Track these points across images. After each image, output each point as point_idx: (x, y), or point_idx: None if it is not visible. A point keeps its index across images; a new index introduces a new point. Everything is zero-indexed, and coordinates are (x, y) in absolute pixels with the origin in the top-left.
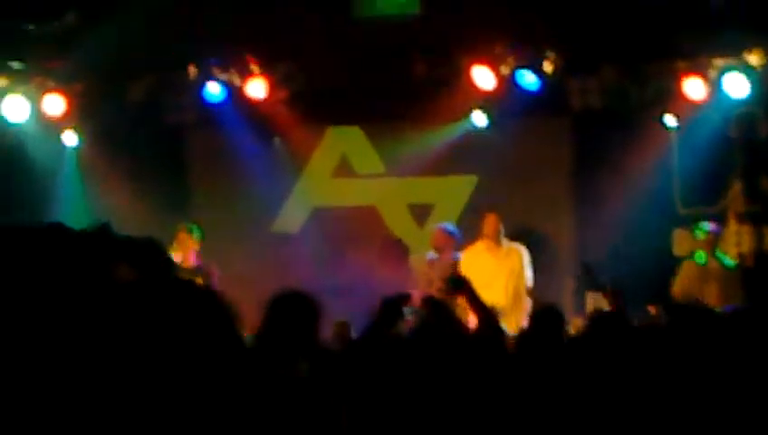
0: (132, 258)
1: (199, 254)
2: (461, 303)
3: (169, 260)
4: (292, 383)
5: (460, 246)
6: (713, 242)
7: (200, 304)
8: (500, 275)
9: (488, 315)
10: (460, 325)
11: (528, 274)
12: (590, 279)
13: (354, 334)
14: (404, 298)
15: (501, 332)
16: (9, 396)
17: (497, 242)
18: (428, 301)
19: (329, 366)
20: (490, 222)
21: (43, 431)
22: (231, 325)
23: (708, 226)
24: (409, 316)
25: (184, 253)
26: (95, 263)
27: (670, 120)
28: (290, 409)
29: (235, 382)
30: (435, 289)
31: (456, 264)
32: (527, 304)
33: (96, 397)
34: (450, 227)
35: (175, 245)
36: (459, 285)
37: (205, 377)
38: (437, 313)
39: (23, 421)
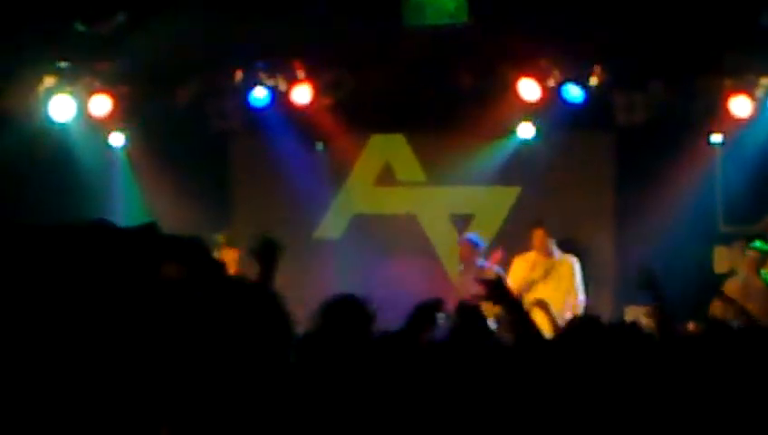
0: (180, 256)
1: (239, 262)
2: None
3: (216, 259)
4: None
5: (485, 254)
6: (757, 261)
7: (251, 300)
8: (548, 286)
9: (527, 323)
10: (492, 332)
11: (578, 286)
12: (650, 286)
13: None
14: (437, 304)
15: (540, 339)
16: (57, 384)
17: (547, 255)
18: (461, 307)
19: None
20: (537, 237)
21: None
22: (283, 320)
23: (759, 244)
24: (442, 322)
25: (229, 265)
26: (142, 259)
27: (716, 137)
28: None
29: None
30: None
31: (482, 271)
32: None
33: (141, 387)
34: (474, 237)
35: (216, 254)
36: (500, 292)
37: (256, 371)
38: (470, 319)
39: (73, 407)
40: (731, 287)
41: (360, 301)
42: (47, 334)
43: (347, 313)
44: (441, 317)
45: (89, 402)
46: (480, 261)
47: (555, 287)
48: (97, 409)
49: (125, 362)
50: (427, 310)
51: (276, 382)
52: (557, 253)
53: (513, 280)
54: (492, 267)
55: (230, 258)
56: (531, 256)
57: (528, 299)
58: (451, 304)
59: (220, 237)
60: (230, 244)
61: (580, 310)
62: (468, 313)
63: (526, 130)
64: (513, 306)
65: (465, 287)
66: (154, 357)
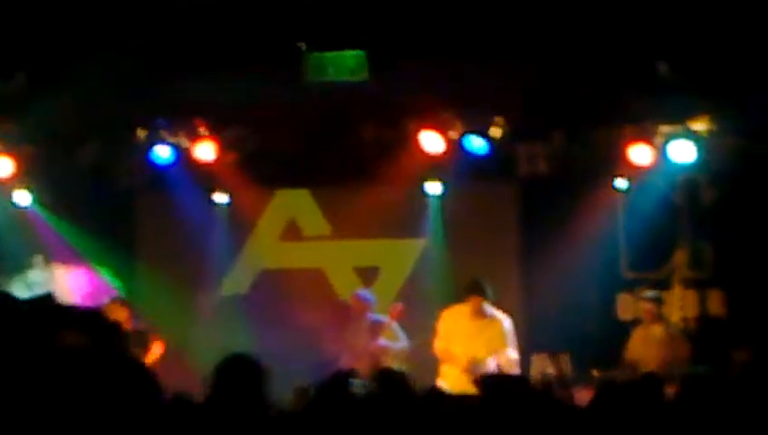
0: (79, 325)
1: (134, 319)
2: None
3: (116, 326)
4: None
5: (387, 309)
6: (653, 310)
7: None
8: (478, 342)
9: None
10: (413, 395)
11: (509, 343)
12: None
13: None
14: (351, 374)
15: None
16: None
17: (481, 317)
18: (381, 373)
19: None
20: (474, 303)
21: None
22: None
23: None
24: (359, 390)
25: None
26: (39, 330)
27: (621, 182)
28: None
29: None
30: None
31: (375, 326)
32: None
33: None
34: (364, 292)
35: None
36: None
37: None
38: (389, 384)
39: None
40: (636, 336)
41: (252, 360)
42: None
43: (239, 374)
44: (358, 384)
45: None
46: (372, 316)
47: (485, 344)
48: None
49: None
50: (342, 380)
51: None
52: (489, 310)
53: (442, 333)
54: (389, 323)
55: (123, 318)
56: (463, 308)
57: (451, 351)
58: (347, 361)
59: (109, 302)
60: (122, 305)
61: (513, 367)
62: (387, 378)
63: (434, 188)
64: None
65: (356, 342)
66: (54, 424)
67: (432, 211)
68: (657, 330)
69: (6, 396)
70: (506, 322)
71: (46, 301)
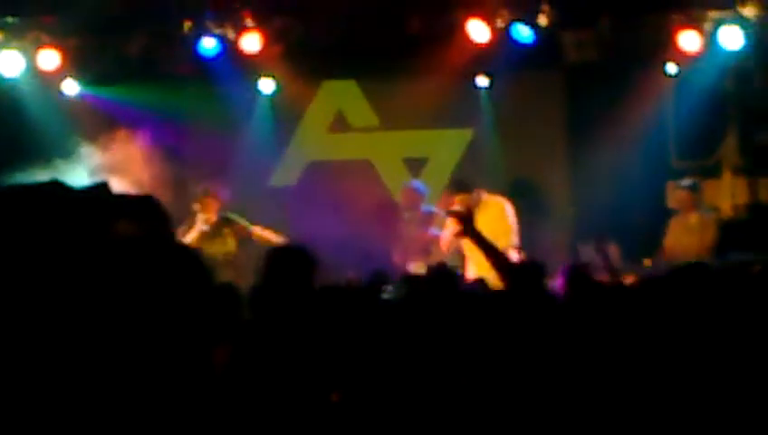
0: (131, 214)
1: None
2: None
3: (167, 215)
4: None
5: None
6: (690, 198)
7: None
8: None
9: (499, 259)
10: (440, 300)
11: (511, 228)
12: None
13: None
14: (384, 279)
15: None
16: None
17: (477, 205)
18: (407, 278)
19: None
20: (460, 201)
21: (37, 394)
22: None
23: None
24: (390, 295)
25: (209, 214)
26: (94, 220)
27: (672, 67)
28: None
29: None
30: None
31: (427, 216)
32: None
33: (91, 358)
34: (417, 183)
35: (199, 207)
36: (469, 226)
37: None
38: (415, 288)
39: (18, 383)
40: (673, 225)
41: (303, 249)
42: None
43: (289, 263)
44: (391, 288)
45: (39, 373)
46: (425, 207)
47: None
48: (46, 380)
49: (76, 326)
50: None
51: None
52: (484, 196)
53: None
54: (440, 212)
55: (213, 209)
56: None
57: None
58: (400, 254)
59: (203, 191)
60: (214, 196)
61: (513, 253)
62: (413, 283)
63: (482, 81)
64: (480, 240)
65: (409, 233)
66: (104, 318)
67: (481, 102)
68: (693, 218)
69: (61, 288)
70: (506, 205)
71: (100, 189)
